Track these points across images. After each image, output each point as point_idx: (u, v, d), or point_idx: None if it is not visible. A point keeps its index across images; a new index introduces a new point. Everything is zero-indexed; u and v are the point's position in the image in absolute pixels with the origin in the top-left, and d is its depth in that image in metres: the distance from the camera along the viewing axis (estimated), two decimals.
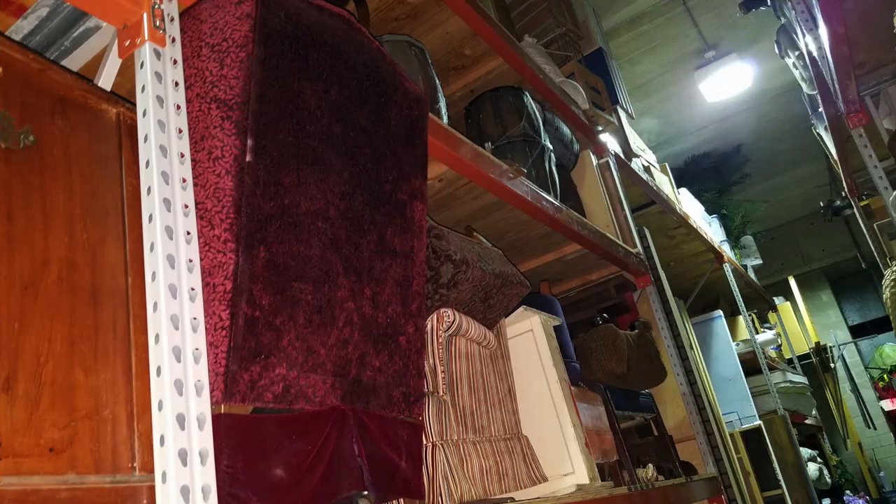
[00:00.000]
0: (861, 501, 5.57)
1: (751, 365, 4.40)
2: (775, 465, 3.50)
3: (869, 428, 7.41)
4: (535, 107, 2.21)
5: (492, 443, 1.33)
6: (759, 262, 5.96)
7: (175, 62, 0.87)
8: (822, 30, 2.01)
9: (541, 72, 2.37)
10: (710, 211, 5.32)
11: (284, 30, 0.95)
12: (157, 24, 0.86)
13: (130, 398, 0.76)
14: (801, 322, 6.65)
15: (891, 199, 2.23)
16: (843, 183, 3.24)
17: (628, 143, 3.16)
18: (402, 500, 1.07)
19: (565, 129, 2.51)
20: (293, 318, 0.87)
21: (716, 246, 4.35)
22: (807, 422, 5.10)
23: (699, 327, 4.31)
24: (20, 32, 1.06)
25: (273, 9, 0.93)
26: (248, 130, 0.86)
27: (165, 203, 0.78)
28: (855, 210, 3.41)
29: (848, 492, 5.78)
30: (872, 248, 3.35)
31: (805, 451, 4.75)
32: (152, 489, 0.72)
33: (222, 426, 0.76)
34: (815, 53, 2.27)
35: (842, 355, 7.67)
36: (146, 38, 0.84)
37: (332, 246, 0.96)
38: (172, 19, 0.89)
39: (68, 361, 0.71)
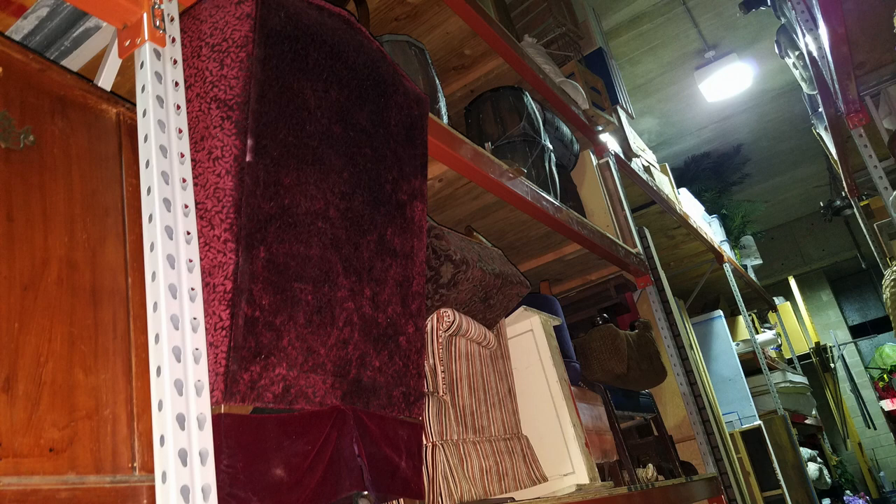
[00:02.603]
0: (861, 501, 5.57)
1: (751, 365, 4.41)
2: (775, 465, 3.50)
3: (869, 428, 7.42)
4: (535, 107, 2.21)
5: (492, 443, 1.33)
6: (759, 262, 5.97)
7: (175, 62, 0.87)
8: (822, 30, 2.01)
9: (541, 72, 2.37)
10: (710, 211, 5.32)
11: (284, 30, 0.95)
12: (157, 24, 0.86)
13: (130, 398, 0.76)
14: (801, 322, 6.65)
15: (891, 199, 2.23)
16: (843, 183, 3.25)
17: (628, 143, 3.16)
18: (402, 500, 1.07)
19: (565, 129, 2.52)
20: (293, 318, 0.87)
21: (716, 246, 4.35)
22: (807, 422, 5.11)
23: (699, 327, 4.31)
24: (20, 32, 1.06)
25: (273, 9, 0.93)
26: (248, 130, 0.86)
27: (165, 203, 0.78)
28: (855, 210, 3.41)
29: (848, 492, 5.79)
30: (872, 248, 3.35)
31: (805, 451, 4.75)
32: (152, 489, 0.72)
33: (222, 426, 0.76)
34: (815, 53, 2.27)
35: (842, 355, 7.68)
36: (146, 38, 0.84)
37: (332, 246, 0.96)
38: (172, 19, 0.89)
39: (68, 361, 0.71)
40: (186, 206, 0.81)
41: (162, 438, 0.69)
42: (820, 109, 2.99)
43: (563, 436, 1.48)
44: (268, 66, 0.90)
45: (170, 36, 0.87)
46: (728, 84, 5.02)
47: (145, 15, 0.85)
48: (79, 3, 0.85)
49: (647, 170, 3.38)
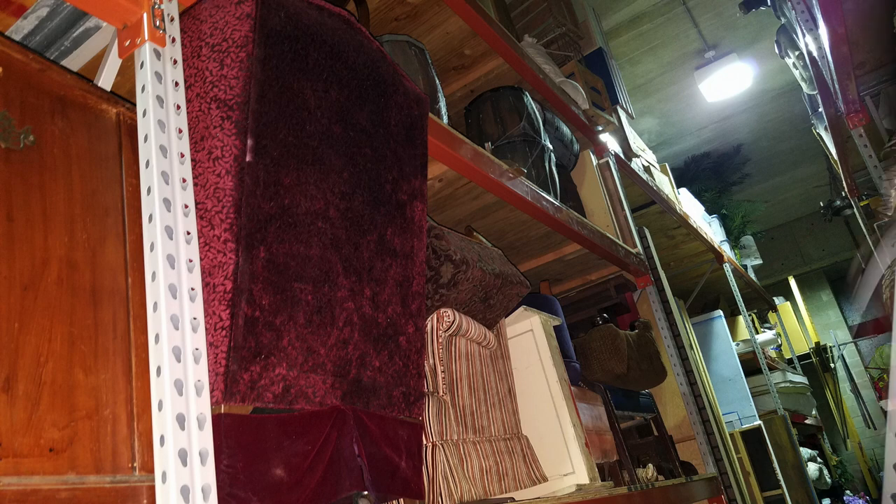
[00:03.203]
0: (861, 501, 5.56)
1: (751, 365, 4.41)
2: (775, 465, 3.50)
3: (869, 428, 7.41)
4: (535, 107, 2.21)
5: (492, 443, 1.33)
6: (759, 262, 5.97)
7: (175, 62, 0.87)
8: (822, 30, 2.01)
9: (541, 72, 2.37)
10: (710, 211, 5.32)
11: (284, 30, 0.95)
12: (157, 24, 0.86)
13: (130, 398, 0.76)
14: (801, 322, 6.65)
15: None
16: (843, 183, 3.25)
17: (628, 143, 3.16)
18: (402, 500, 1.07)
19: (565, 129, 2.52)
20: (293, 318, 0.87)
21: (716, 246, 4.35)
22: (807, 422, 5.10)
23: (699, 327, 4.31)
24: (20, 32, 1.06)
25: (273, 9, 0.93)
26: (248, 130, 0.86)
27: (165, 203, 0.78)
28: (855, 210, 3.41)
29: (848, 492, 5.79)
30: (872, 248, 3.35)
31: (805, 451, 4.75)
32: (152, 489, 0.72)
33: (222, 426, 0.76)
34: (815, 53, 2.27)
35: (842, 355, 7.67)
36: (146, 38, 0.84)
37: (332, 246, 0.96)
38: (172, 19, 0.89)
39: (68, 361, 0.71)
40: (186, 206, 0.81)
41: (162, 438, 0.69)
42: (820, 109, 2.99)
43: (563, 436, 1.48)
44: (268, 66, 0.90)
45: (170, 36, 0.87)
46: (728, 84, 5.02)
47: (145, 15, 0.85)
48: (79, 3, 0.85)
49: (647, 170, 3.38)
